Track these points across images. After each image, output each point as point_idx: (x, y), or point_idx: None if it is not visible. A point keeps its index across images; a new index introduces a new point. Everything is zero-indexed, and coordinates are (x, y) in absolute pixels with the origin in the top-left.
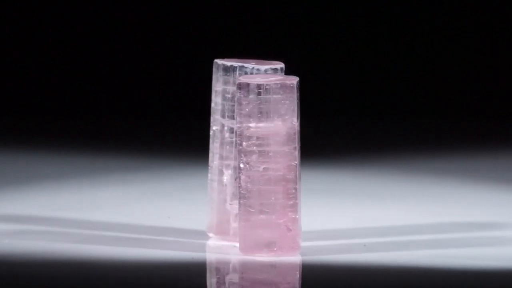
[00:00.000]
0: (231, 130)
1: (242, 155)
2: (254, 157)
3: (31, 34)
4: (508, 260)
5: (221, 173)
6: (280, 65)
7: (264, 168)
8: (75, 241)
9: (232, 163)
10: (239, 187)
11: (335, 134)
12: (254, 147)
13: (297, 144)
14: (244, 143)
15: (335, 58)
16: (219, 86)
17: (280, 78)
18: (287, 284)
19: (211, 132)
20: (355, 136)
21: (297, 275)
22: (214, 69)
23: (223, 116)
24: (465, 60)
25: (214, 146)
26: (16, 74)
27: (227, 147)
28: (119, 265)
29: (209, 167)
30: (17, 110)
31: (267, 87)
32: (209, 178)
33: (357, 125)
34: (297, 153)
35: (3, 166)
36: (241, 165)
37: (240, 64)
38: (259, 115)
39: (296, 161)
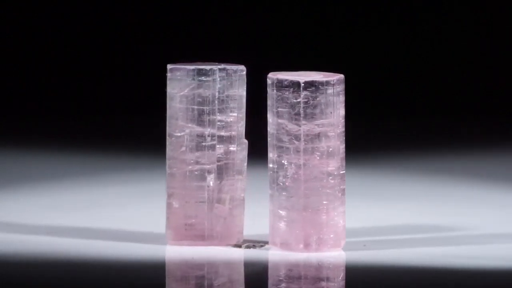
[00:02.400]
0: (212, 135)
1: (298, 153)
2: (314, 154)
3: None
4: (507, 259)
5: (199, 178)
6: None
7: (322, 165)
8: (75, 241)
9: (215, 166)
10: (296, 186)
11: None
12: (313, 145)
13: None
14: (297, 142)
15: (324, 58)
16: (188, 91)
17: (319, 73)
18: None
19: (171, 139)
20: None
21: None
22: (174, 75)
23: (199, 122)
24: (465, 60)
25: (181, 152)
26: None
27: (210, 151)
28: (120, 265)
29: (170, 174)
30: (15, 111)
31: (332, 82)
32: (166, 185)
33: (358, 125)
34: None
35: (1, 166)
36: (295, 165)
37: (222, 66)
38: (315, 112)
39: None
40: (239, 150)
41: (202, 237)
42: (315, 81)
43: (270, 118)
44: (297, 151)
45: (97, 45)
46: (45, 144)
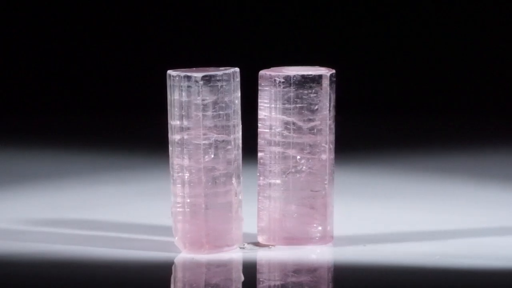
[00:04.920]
0: (232, 140)
1: (315, 147)
2: (327, 147)
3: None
4: (508, 260)
5: (224, 183)
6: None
7: (330, 157)
8: (75, 241)
9: (234, 170)
10: (314, 180)
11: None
12: (324, 138)
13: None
14: (314, 136)
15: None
16: (204, 98)
17: (307, 68)
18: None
19: (190, 147)
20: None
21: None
22: (184, 83)
23: (224, 127)
24: (461, 59)
25: (207, 159)
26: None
27: (231, 156)
28: (120, 265)
29: (187, 183)
30: (13, 109)
31: (335, 74)
32: (193, 194)
33: (358, 123)
34: None
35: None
36: (311, 159)
37: (232, 70)
38: (327, 106)
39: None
40: (239, 152)
41: (229, 242)
42: (332, 74)
43: (274, 115)
44: (312, 145)
45: (96, 45)
46: (45, 144)
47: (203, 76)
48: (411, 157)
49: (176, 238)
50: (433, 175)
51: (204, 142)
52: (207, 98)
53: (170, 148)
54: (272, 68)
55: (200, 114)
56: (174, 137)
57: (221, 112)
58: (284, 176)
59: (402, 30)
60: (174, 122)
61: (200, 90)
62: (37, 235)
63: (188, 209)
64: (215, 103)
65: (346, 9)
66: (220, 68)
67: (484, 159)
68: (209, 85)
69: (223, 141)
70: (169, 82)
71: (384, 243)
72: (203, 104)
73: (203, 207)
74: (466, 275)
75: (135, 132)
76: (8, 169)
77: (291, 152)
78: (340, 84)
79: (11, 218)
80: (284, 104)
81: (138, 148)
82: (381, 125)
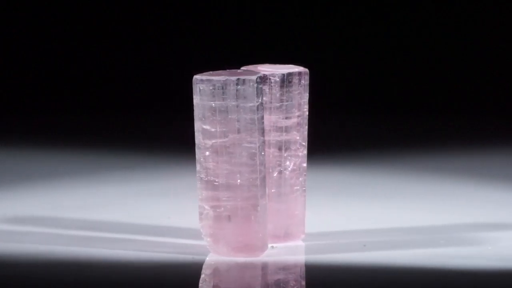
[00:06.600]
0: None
1: (296, 144)
2: (297, 145)
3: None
4: (508, 260)
5: (264, 186)
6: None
7: (302, 156)
8: (75, 241)
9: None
10: (296, 177)
11: (334, 131)
12: (300, 135)
13: None
14: (296, 133)
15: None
16: (257, 100)
17: (280, 66)
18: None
19: (237, 150)
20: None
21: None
22: (235, 86)
23: (263, 130)
24: (458, 58)
25: (258, 162)
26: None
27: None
28: (120, 266)
29: (244, 187)
30: (13, 109)
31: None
32: (245, 197)
33: (358, 123)
34: None
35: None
36: (295, 157)
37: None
38: (304, 104)
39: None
40: None
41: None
42: (306, 71)
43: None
44: (293, 142)
45: (95, 46)
46: (45, 144)
47: (256, 79)
48: (411, 157)
49: (219, 244)
50: (433, 175)
51: (258, 145)
52: (258, 100)
53: (205, 153)
54: (246, 67)
55: (255, 116)
56: (214, 141)
57: (262, 114)
58: (272, 174)
59: (402, 30)
60: (210, 126)
61: (255, 92)
62: (37, 235)
63: (241, 213)
64: (260, 104)
65: (346, 9)
66: (238, 71)
67: (484, 159)
68: (257, 87)
69: (262, 142)
70: (199, 87)
71: (384, 243)
72: (256, 107)
73: (258, 209)
74: (466, 275)
75: (135, 132)
76: (8, 169)
77: (273, 150)
78: (340, 84)
79: (11, 218)
80: (266, 103)
81: (138, 148)
82: (381, 125)
